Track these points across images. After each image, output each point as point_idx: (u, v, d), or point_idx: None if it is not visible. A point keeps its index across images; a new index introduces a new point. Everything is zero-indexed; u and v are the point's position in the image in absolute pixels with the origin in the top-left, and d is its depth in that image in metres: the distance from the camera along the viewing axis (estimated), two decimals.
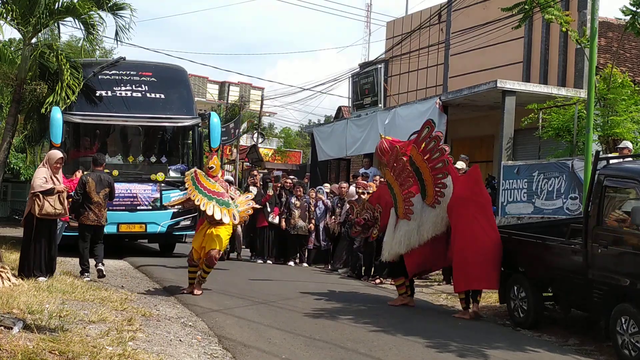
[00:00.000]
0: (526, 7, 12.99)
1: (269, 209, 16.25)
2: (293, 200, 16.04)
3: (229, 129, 33.06)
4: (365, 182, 14.95)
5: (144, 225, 15.59)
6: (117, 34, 16.79)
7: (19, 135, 20.72)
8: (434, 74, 23.65)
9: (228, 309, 9.67)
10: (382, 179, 12.72)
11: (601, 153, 12.25)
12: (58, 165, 10.77)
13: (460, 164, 12.73)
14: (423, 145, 10.33)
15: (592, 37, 11.54)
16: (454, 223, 10.24)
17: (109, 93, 16.03)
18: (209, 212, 10.28)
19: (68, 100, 15.17)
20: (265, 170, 25.43)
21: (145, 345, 6.92)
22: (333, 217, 15.71)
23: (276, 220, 16.20)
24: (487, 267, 10.01)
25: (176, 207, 11.61)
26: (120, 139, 17.09)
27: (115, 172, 15.19)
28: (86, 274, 11.62)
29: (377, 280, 13.56)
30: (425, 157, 10.30)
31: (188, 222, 16.00)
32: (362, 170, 18.93)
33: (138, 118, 16.05)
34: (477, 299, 10.39)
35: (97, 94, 15.93)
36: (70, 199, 11.44)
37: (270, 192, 16.31)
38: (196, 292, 10.73)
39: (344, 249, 15.24)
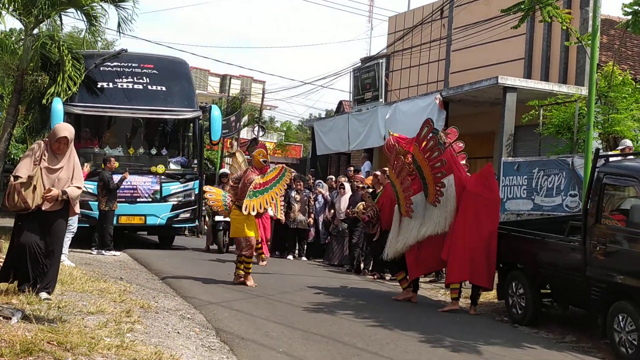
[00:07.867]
0: (522, 7, 12.91)
1: None
2: (293, 194, 16.01)
3: (229, 122, 33.01)
4: (362, 177, 14.93)
5: (143, 218, 15.63)
6: (119, 25, 16.82)
7: (19, 126, 20.72)
8: (435, 70, 23.63)
9: (226, 302, 9.68)
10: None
11: (601, 151, 12.25)
12: (60, 146, 7.66)
13: None
14: (424, 143, 10.32)
15: (594, 34, 11.50)
16: (461, 215, 10.18)
17: (111, 85, 16.04)
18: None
19: (69, 92, 15.18)
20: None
21: (143, 336, 6.93)
22: (332, 210, 15.61)
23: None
24: (486, 265, 10.07)
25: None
26: (121, 131, 17.10)
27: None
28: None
29: (376, 276, 13.56)
30: (425, 156, 10.27)
31: (187, 215, 16.04)
32: (353, 168, 18.69)
33: (139, 110, 16.07)
34: (475, 301, 10.36)
35: (99, 86, 15.94)
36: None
37: None
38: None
39: (342, 244, 15.22)
